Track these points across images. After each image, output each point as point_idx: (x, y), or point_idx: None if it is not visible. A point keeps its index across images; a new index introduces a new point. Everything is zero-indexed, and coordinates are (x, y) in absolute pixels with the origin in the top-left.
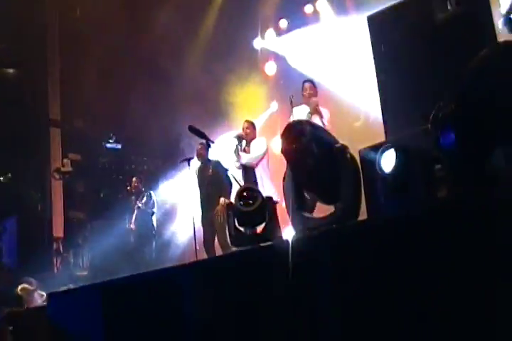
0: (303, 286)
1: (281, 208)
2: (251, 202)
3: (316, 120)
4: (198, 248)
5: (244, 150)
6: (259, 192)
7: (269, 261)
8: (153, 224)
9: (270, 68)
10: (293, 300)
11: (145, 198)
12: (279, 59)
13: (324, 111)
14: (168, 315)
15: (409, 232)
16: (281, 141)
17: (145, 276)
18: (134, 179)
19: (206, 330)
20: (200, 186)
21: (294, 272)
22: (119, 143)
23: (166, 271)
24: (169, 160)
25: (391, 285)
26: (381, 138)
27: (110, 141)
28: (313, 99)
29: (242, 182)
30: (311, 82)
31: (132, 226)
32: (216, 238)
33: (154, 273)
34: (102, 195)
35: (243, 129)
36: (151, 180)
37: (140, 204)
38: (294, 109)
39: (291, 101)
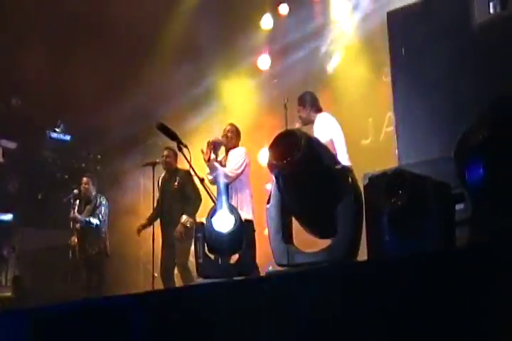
0: (279, 332)
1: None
2: (225, 224)
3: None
4: (156, 275)
5: (220, 162)
6: (238, 213)
7: (244, 298)
8: (101, 241)
9: (263, 62)
10: None
11: (91, 206)
12: (274, 52)
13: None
14: None
15: (417, 281)
16: (269, 153)
17: (87, 305)
18: (84, 179)
19: None
20: (162, 200)
21: (271, 314)
22: (68, 133)
23: (114, 300)
24: (130, 161)
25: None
26: (393, 162)
27: (57, 129)
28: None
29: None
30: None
31: (74, 240)
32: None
33: (99, 301)
34: (39, 197)
35: (224, 132)
36: (105, 184)
37: (79, 216)
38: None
39: (286, 106)
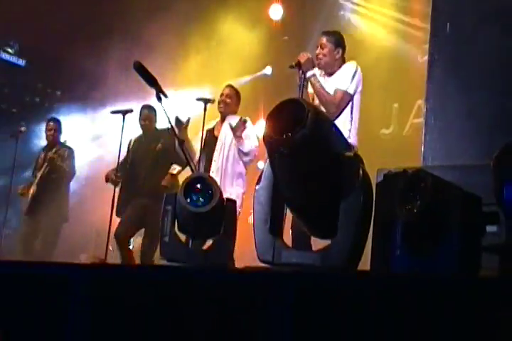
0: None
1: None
2: (202, 200)
3: None
4: (111, 249)
5: (213, 133)
6: (219, 189)
7: (208, 291)
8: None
9: (275, 12)
10: None
11: (58, 156)
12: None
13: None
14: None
15: (423, 308)
16: (266, 125)
17: (23, 269)
18: (51, 124)
19: None
20: (134, 162)
21: (236, 316)
22: (22, 57)
23: (55, 268)
24: (97, 103)
25: None
26: (415, 161)
27: (9, 50)
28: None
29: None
30: (327, 34)
31: (31, 189)
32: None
33: (37, 267)
34: None
35: (221, 97)
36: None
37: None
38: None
39: (300, 67)
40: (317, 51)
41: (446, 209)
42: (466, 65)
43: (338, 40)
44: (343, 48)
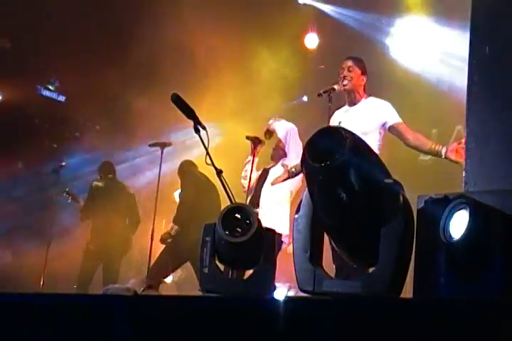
0: None
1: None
2: (240, 230)
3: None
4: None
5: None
6: (257, 218)
7: (249, 321)
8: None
9: (311, 41)
10: None
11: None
12: (325, 31)
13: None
14: None
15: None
16: (305, 152)
17: (59, 300)
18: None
19: None
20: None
21: None
22: (62, 94)
23: (94, 299)
24: (136, 136)
25: None
26: (456, 187)
27: (50, 87)
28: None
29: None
30: (354, 59)
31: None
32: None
33: (77, 298)
34: (19, 165)
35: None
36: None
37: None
38: (336, 112)
39: (330, 98)
40: (344, 73)
41: (489, 235)
42: (507, 88)
43: (364, 68)
44: (367, 78)
